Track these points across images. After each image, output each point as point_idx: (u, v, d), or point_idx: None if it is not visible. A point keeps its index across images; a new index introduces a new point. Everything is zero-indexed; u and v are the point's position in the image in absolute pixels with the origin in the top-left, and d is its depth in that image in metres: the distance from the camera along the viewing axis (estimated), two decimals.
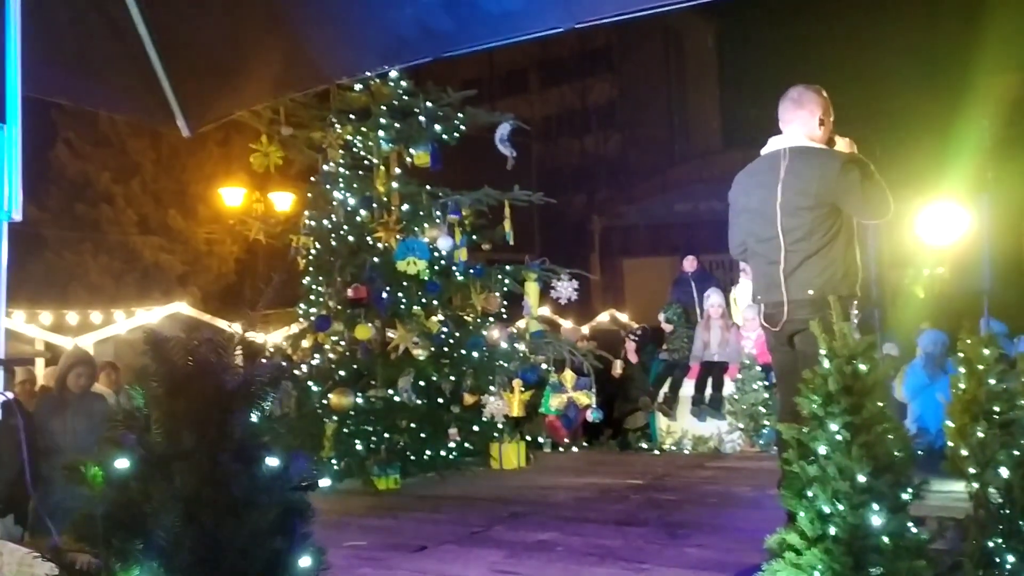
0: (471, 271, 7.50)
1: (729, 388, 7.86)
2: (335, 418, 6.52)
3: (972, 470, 3.97)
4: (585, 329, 13.17)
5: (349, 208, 7.40)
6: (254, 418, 1.24)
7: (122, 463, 1.16)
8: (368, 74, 7.12)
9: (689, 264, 9.00)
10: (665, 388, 8.34)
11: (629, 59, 36.73)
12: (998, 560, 3.54)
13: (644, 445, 8.08)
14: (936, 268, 10.40)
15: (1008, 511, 3.80)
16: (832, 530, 2.69)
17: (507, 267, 7.72)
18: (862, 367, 2.76)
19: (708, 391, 8.00)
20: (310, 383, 6.82)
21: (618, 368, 9.07)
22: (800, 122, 3.88)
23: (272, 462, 1.26)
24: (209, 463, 1.15)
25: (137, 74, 5.49)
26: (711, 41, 36.73)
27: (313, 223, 7.37)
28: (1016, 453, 3.93)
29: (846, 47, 24.68)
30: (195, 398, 1.17)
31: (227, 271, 20.10)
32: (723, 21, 34.55)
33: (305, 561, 1.28)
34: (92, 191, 18.14)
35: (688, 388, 8.17)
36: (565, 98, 37.00)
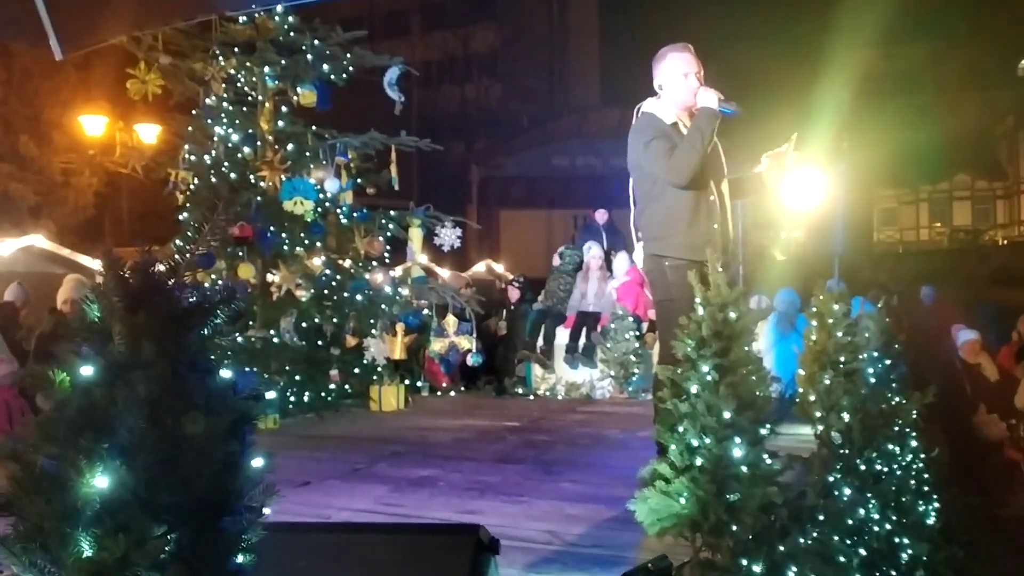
0: (355, 214, 7.48)
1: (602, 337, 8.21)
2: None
3: (818, 414, 4.42)
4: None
5: (231, 144, 7.21)
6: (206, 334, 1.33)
7: (87, 370, 1.22)
8: (253, 7, 6.91)
9: (600, 216, 9.39)
10: (541, 338, 8.62)
11: (512, 8, 36.61)
12: (836, 492, 3.99)
13: (519, 391, 8.36)
14: (793, 232, 11.18)
15: (847, 451, 4.27)
16: (698, 461, 2.97)
17: (392, 212, 7.74)
18: (732, 315, 3.04)
19: (582, 340, 8.34)
20: None
21: (502, 329, 9.16)
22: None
23: (225, 374, 1.36)
24: (169, 372, 1.24)
25: None
26: None
27: (193, 158, 7.14)
28: (856, 400, 4.41)
29: (719, 14, 25.62)
30: (153, 313, 1.25)
31: (85, 204, 18.99)
32: None
33: (258, 462, 1.39)
34: None
35: (563, 337, 8.48)
36: (447, 44, 36.57)
